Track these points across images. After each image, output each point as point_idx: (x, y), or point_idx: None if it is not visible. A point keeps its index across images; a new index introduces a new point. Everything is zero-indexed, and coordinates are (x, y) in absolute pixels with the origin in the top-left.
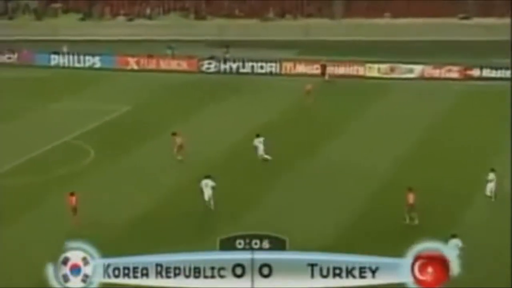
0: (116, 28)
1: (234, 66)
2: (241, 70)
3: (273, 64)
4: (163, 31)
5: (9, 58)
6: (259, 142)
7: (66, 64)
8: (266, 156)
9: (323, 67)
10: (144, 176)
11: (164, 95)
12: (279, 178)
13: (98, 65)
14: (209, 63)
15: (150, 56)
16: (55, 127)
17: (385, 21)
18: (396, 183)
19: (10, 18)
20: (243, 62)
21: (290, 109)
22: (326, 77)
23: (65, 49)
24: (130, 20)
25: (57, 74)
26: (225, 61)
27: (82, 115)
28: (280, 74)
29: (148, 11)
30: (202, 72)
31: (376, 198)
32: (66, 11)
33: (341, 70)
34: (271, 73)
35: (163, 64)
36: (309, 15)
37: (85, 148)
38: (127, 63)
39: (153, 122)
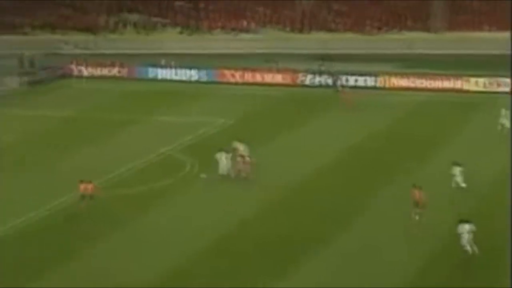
0: (216, 42)
1: (330, 79)
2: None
3: (372, 78)
4: (264, 45)
5: (111, 71)
6: None
7: (169, 77)
8: None
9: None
10: (244, 184)
11: (265, 108)
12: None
13: (196, 78)
14: (309, 77)
15: (250, 70)
16: (156, 138)
17: (485, 34)
18: None
19: (112, 32)
20: (343, 75)
21: (389, 123)
22: (339, 88)
23: (163, 62)
24: (228, 33)
25: (159, 87)
26: (321, 74)
27: (183, 127)
28: (378, 88)
29: (248, 24)
30: (302, 85)
31: None
32: (166, 25)
33: (442, 83)
34: (370, 87)
35: (264, 78)
36: (411, 29)
37: (183, 160)
38: (227, 76)
39: (254, 135)
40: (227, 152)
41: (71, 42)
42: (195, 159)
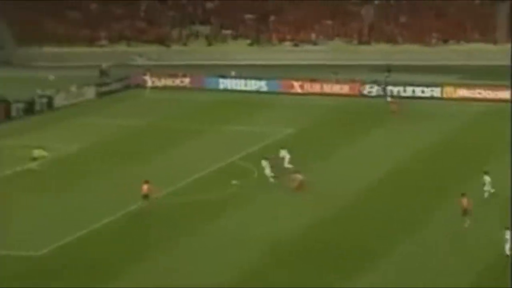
0: (282, 53)
1: (395, 90)
2: (402, 94)
3: (434, 89)
4: (327, 56)
5: (182, 81)
6: None
7: (234, 88)
8: None
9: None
10: (306, 193)
11: (327, 118)
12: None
13: (264, 88)
14: (371, 87)
15: (313, 80)
16: (225, 147)
17: None
18: None
19: (184, 44)
20: (404, 86)
21: (451, 134)
22: (388, 99)
23: (233, 73)
24: (296, 45)
25: (225, 97)
26: (386, 85)
27: (248, 137)
28: (441, 99)
29: (316, 37)
30: (364, 95)
31: None
32: (236, 37)
33: (503, 94)
34: (432, 97)
35: (326, 88)
36: (473, 40)
37: (250, 168)
38: (292, 86)
39: (315, 144)
40: (270, 159)
41: (145, 54)
42: (261, 168)
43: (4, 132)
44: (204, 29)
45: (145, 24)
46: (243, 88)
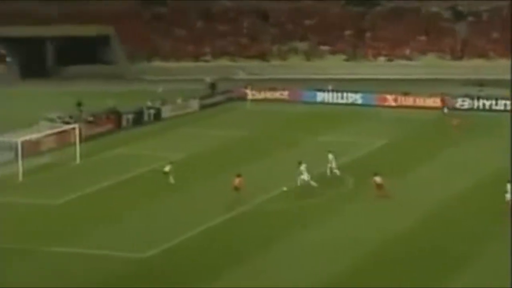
0: (377, 68)
1: (487, 103)
2: (494, 108)
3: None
4: (421, 71)
5: (281, 94)
6: None
7: (331, 101)
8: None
9: (442, 101)
10: (397, 200)
11: (419, 130)
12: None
13: (359, 101)
14: (463, 101)
15: (406, 94)
16: (318, 157)
17: None
18: None
19: (284, 59)
20: (496, 100)
21: None
22: (445, 110)
23: (330, 87)
24: (390, 60)
25: (322, 109)
26: (478, 99)
27: (344, 147)
28: None
29: (410, 52)
30: (456, 109)
31: None
32: (333, 53)
33: None
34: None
35: (419, 101)
36: None
37: (344, 177)
38: (386, 100)
39: (409, 154)
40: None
41: (246, 68)
42: (356, 177)
43: (116, 140)
44: (303, 45)
45: (247, 40)
46: (339, 101)
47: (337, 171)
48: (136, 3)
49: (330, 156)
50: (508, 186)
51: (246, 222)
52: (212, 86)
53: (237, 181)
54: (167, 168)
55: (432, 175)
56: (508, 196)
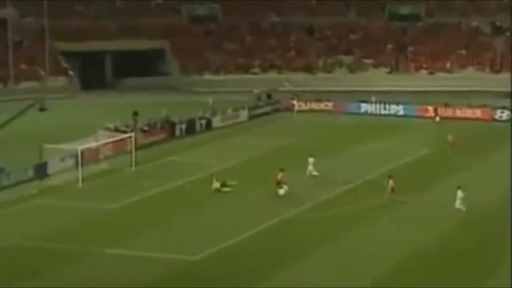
0: (418, 80)
1: None
2: None
3: None
4: (461, 83)
5: (326, 105)
6: None
7: (374, 112)
8: None
9: (435, 110)
10: (438, 205)
11: (457, 141)
12: None
13: (401, 112)
14: (502, 112)
15: (447, 105)
16: (362, 165)
17: None
18: None
19: (329, 72)
20: None
21: None
22: (437, 119)
23: (373, 99)
24: (432, 73)
25: (365, 120)
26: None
27: (386, 156)
28: None
29: (451, 66)
30: (495, 120)
31: None
32: (376, 66)
33: None
34: None
35: (459, 113)
36: None
37: (385, 185)
38: (427, 111)
39: (450, 162)
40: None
41: (293, 80)
42: (398, 184)
43: (169, 149)
44: (347, 59)
45: (294, 54)
46: (382, 112)
47: (316, 173)
48: (188, 19)
49: (311, 159)
50: None
51: (292, 226)
52: (269, 96)
53: (280, 175)
54: (217, 185)
55: (473, 180)
56: None
